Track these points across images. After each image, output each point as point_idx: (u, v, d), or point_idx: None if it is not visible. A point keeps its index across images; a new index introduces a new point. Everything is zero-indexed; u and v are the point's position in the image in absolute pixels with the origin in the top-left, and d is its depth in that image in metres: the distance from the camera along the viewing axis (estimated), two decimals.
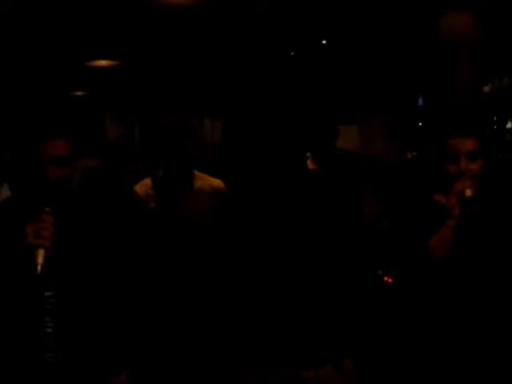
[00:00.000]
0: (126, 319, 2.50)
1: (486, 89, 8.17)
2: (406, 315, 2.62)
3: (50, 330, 2.37)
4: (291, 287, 2.62)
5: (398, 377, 2.65)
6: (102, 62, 9.47)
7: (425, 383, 2.57)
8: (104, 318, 2.45)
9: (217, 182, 3.49)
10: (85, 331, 2.41)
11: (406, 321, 2.62)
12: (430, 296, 2.55)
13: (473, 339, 2.53)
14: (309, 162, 3.74)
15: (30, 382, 2.37)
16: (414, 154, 7.31)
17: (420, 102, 9.25)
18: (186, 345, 3.22)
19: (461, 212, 2.50)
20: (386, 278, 3.22)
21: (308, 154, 3.75)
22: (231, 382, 2.70)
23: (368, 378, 2.68)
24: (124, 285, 2.54)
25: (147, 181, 3.42)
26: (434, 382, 2.55)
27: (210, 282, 2.82)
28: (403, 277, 2.64)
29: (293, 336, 2.62)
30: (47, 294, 2.37)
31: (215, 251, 2.87)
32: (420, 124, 9.18)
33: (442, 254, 2.50)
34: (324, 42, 9.05)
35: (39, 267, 2.25)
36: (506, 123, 9.40)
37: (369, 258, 2.71)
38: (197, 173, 3.47)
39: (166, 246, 3.15)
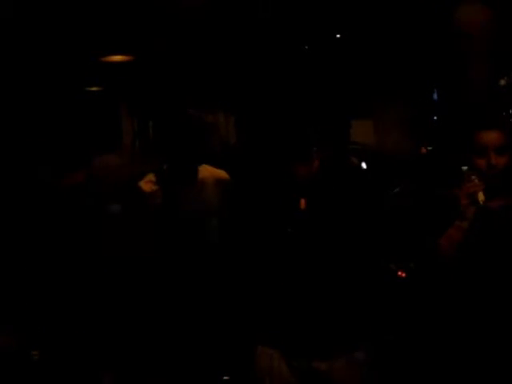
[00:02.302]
0: (115, 321, 2.49)
1: (502, 82, 8.10)
2: (417, 309, 2.62)
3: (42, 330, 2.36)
4: (307, 281, 2.62)
5: (410, 369, 2.65)
6: (117, 57, 9.48)
7: (435, 376, 2.57)
8: (92, 319, 2.44)
9: (221, 173, 3.50)
10: (75, 332, 2.40)
11: (417, 314, 2.62)
12: (439, 292, 2.54)
13: (484, 339, 2.52)
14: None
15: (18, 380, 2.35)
16: (430, 148, 7.26)
17: (435, 95, 9.18)
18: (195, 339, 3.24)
19: (474, 214, 2.47)
20: (399, 273, 3.21)
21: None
22: (246, 371, 2.72)
23: (380, 371, 2.69)
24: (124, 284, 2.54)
25: (151, 176, 3.41)
26: (443, 374, 2.54)
27: (219, 275, 2.84)
28: (414, 271, 2.64)
29: (307, 328, 2.62)
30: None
31: (230, 241, 2.87)
32: (435, 118, 9.11)
33: (452, 253, 2.48)
34: (338, 35, 9.01)
35: None
36: None
37: (382, 252, 2.71)
38: (200, 165, 3.46)
39: (172, 240, 3.16)
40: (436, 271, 2.52)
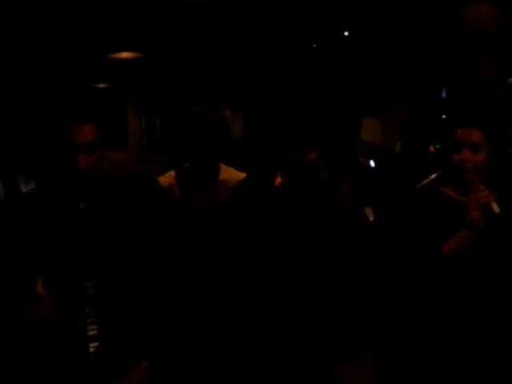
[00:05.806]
0: (151, 309, 2.50)
1: (510, 81, 8.08)
2: (420, 310, 2.59)
3: (92, 320, 2.37)
4: (315, 286, 2.62)
5: (417, 369, 2.63)
6: (124, 54, 9.50)
7: (441, 374, 2.55)
8: (135, 307, 2.45)
9: (243, 176, 3.47)
10: (122, 320, 2.41)
11: (422, 315, 2.59)
12: (442, 296, 2.51)
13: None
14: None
15: (74, 372, 2.36)
16: (438, 146, 7.24)
17: (443, 94, 9.17)
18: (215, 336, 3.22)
19: (485, 226, 2.44)
20: (404, 274, 3.18)
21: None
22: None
23: (388, 370, 2.67)
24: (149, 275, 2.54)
25: (171, 172, 3.43)
26: (448, 373, 2.53)
27: (229, 274, 2.83)
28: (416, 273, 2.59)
29: (318, 333, 2.62)
30: (87, 285, 2.38)
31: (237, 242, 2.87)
32: (443, 117, 9.10)
33: (456, 259, 2.45)
34: (346, 33, 9.00)
35: None
36: None
37: (381, 258, 2.68)
38: (222, 166, 3.46)
39: (185, 236, 3.15)
40: (435, 275, 2.48)
